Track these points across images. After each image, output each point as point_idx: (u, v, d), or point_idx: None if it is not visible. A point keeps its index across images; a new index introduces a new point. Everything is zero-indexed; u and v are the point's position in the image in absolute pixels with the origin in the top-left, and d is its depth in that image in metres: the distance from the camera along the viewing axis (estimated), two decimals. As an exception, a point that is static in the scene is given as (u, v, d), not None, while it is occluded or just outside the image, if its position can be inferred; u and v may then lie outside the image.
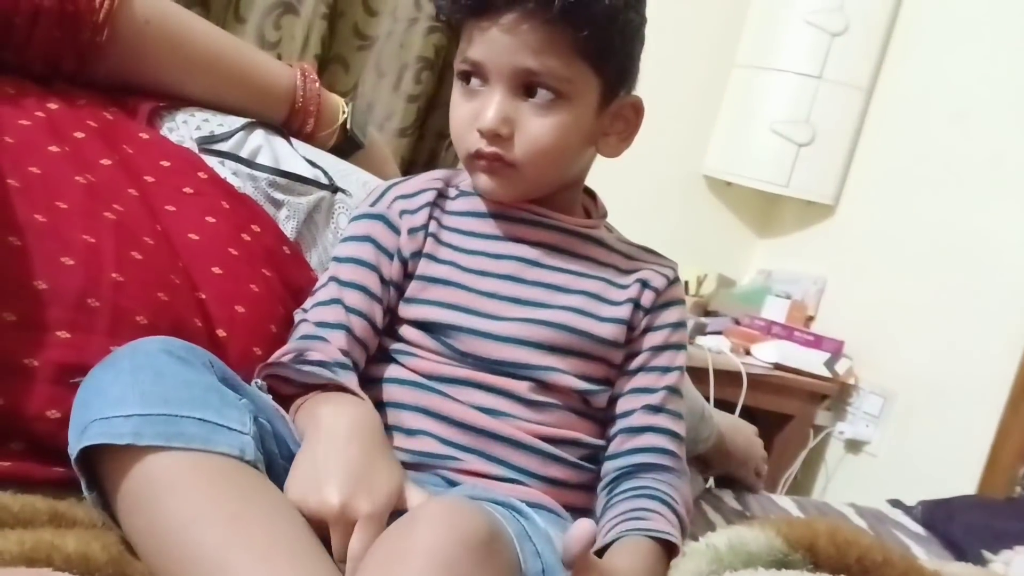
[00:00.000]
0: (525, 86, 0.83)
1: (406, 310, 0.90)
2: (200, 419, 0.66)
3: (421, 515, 0.62)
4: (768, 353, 2.22)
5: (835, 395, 2.31)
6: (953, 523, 1.42)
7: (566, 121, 0.84)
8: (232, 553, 0.61)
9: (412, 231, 0.91)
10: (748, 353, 2.24)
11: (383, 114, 1.75)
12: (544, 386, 0.88)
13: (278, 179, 1.07)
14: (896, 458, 2.21)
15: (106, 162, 0.91)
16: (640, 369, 0.92)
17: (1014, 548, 1.24)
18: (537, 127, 0.84)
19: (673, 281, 0.95)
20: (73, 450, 0.66)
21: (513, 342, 0.87)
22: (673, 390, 0.93)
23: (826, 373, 2.24)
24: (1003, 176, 2.07)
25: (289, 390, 0.81)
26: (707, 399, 1.41)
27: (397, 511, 0.70)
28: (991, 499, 1.82)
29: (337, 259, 0.92)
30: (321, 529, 0.67)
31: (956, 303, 2.11)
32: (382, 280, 0.90)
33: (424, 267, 0.90)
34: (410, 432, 0.86)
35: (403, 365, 0.89)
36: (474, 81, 0.85)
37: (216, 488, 0.64)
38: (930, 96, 2.26)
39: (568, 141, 0.86)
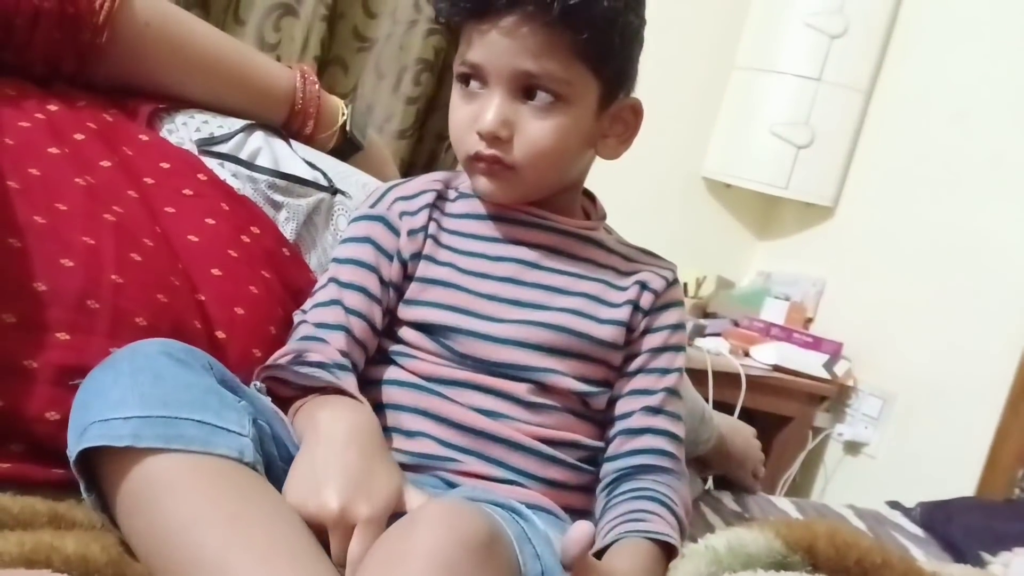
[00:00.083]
0: (524, 89, 0.83)
1: (405, 312, 0.90)
2: (199, 421, 0.66)
3: (421, 517, 0.62)
4: (767, 355, 2.22)
5: (834, 397, 2.31)
6: (952, 525, 1.42)
7: (565, 123, 0.85)
8: (232, 555, 0.61)
9: (412, 233, 0.91)
10: (747, 355, 2.24)
11: (382, 116, 1.75)
12: (543, 388, 0.88)
13: (278, 181, 1.07)
14: (895, 460, 2.21)
15: (106, 164, 0.91)
16: (639, 371, 0.92)
17: (1013, 550, 1.24)
18: (536, 129, 0.84)
19: (672, 283, 0.95)
20: (72, 452, 0.66)
21: (512, 344, 0.87)
22: (672, 392, 0.93)
23: (825, 375, 2.24)
24: (1002, 177, 2.07)
25: (288, 392, 0.81)
26: (706, 401, 1.41)
27: (396, 513, 0.70)
28: (990, 501, 1.82)
29: (337, 260, 0.92)
30: (320, 533, 0.67)
31: (955, 305, 2.11)
32: (382, 281, 0.90)
33: (423, 269, 0.91)
34: (409, 434, 0.86)
35: (402, 367, 0.89)
36: (473, 83, 0.86)
37: (216, 489, 0.64)
38: (929, 98, 2.26)
39: (567, 143, 0.86)
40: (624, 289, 0.92)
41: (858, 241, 2.37)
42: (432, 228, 0.92)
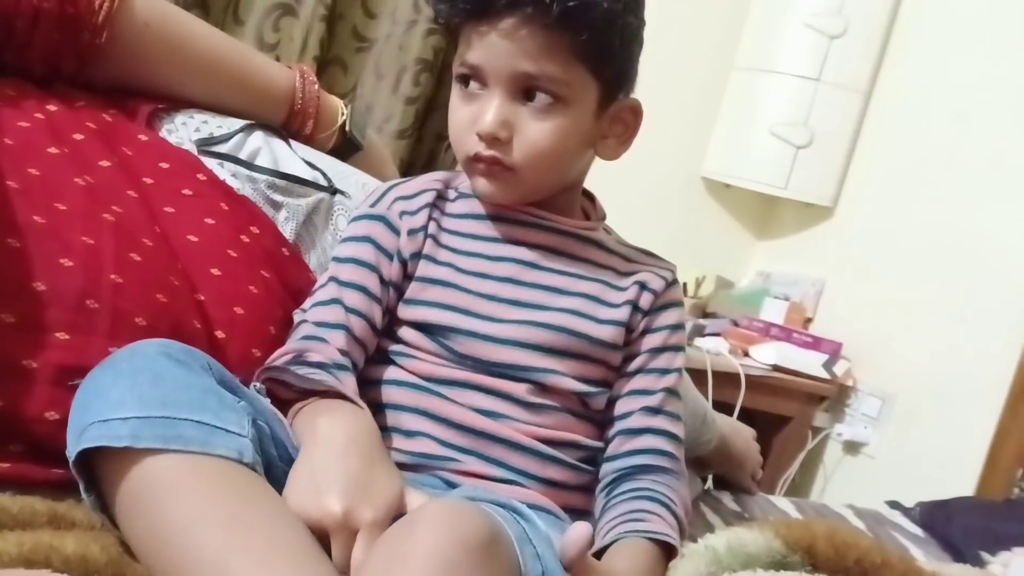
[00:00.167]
0: (524, 90, 0.83)
1: (405, 311, 0.90)
2: (198, 422, 0.66)
3: (421, 517, 0.62)
4: (767, 355, 2.22)
5: (833, 397, 2.31)
6: (951, 525, 1.42)
7: (565, 125, 0.85)
8: (232, 556, 0.61)
9: (412, 232, 0.91)
10: (747, 355, 2.24)
11: (382, 116, 1.75)
12: (542, 388, 0.88)
13: (277, 181, 1.07)
14: (894, 460, 2.21)
15: (105, 164, 0.91)
16: (639, 371, 0.92)
17: (1012, 550, 1.24)
18: (536, 131, 0.84)
19: (671, 283, 0.95)
20: (72, 452, 0.66)
21: (511, 344, 0.87)
22: (671, 392, 0.93)
23: (824, 375, 2.24)
24: (1002, 178, 2.07)
25: (288, 394, 0.81)
26: (705, 401, 1.41)
27: (397, 515, 0.70)
28: (990, 501, 1.82)
29: (337, 259, 0.92)
30: (321, 538, 0.67)
31: (955, 305, 2.11)
32: (382, 281, 0.90)
33: (423, 268, 0.91)
34: (409, 434, 0.86)
35: (402, 367, 0.89)
36: (473, 84, 0.86)
37: (215, 490, 0.64)
38: (929, 98, 2.26)
39: (567, 144, 0.86)
40: (623, 289, 0.92)
41: (857, 241, 2.37)
42: (432, 228, 0.92)
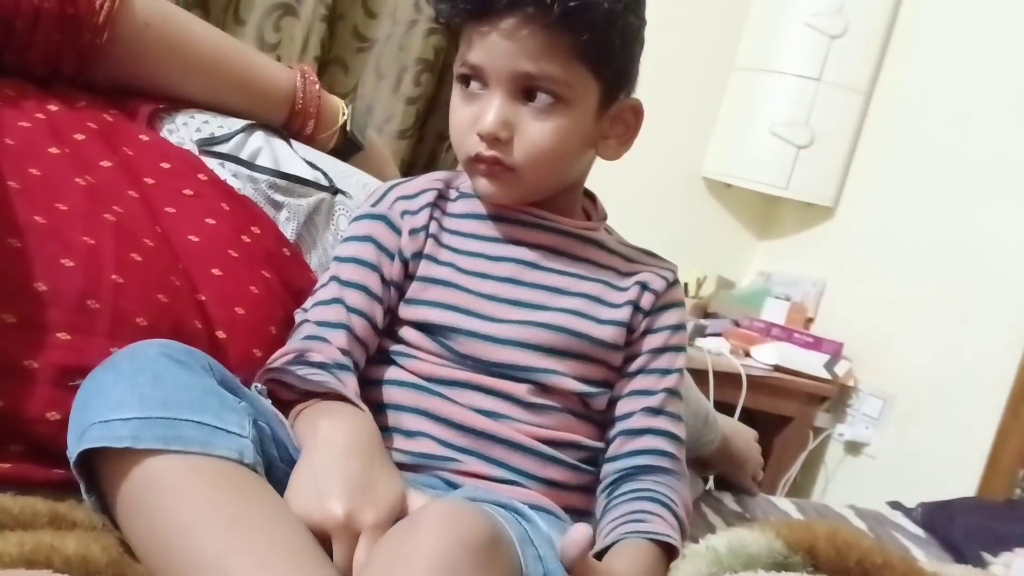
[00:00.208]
0: (524, 90, 0.83)
1: (406, 311, 0.90)
2: (199, 422, 0.66)
3: (423, 518, 0.62)
4: (768, 355, 2.22)
5: (835, 397, 2.31)
6: (953, 525, 1.42)
7: (565, 125, 0.84)
8: (232, 556, 0.61)
9: (413, 232, 0.91)
10: (748, 355, 2.24)
11: (382, 116, 1.75)
12: (543, 388, 0.88)
13: (278, 181, 1.07)
14: (896, 460, 2.21)
15: (106, 164, 0.91)
16: (639, 371, 0.92)
17: (1014, 550, 1.24)
18: (536, 131, 0.84)
19: (673, 283, 0.95)
20: (72, 453, 0.66)
21: (512, 344, 0.87)
22: (672, 392, 0.93)
23: (826, 375, 2.24)
24: (1003, 178, 2.07)
25: (289, 396, 0.81)
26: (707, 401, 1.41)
27: (399, 516, 0.70)
28: (991, 501, 1.82)
29: (338, 259, 0.92)
30: (322, 540, 0.67)
31: (956, 305, 2.11)
32: (383, 280, 0.90)
33: (424, 268, 0.91)
34: (409, 434, 0.86)
35: (403, 367, 0.89)
36: (474, 84, 0.85)
37: (216, 491, 0.64)
38: (929, 98, 2.26)
39: (567, 145, 0.86)
40: (624, 290, 0.92)
41: (858, 241, 2.37)
42: (433, 227, 0.92)
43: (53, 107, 0.93)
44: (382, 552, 0.62)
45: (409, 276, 0.91)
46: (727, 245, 2.62)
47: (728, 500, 1.36)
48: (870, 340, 2.29)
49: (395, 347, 0.90)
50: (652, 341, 0.92)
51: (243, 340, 0.90)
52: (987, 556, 1.26)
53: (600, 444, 0.91)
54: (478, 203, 0.93)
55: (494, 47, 0.82)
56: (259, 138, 1.09)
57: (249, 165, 1.06)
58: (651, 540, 0.82)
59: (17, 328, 0.75)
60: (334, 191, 1.11)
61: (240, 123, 1.09)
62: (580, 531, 0.67)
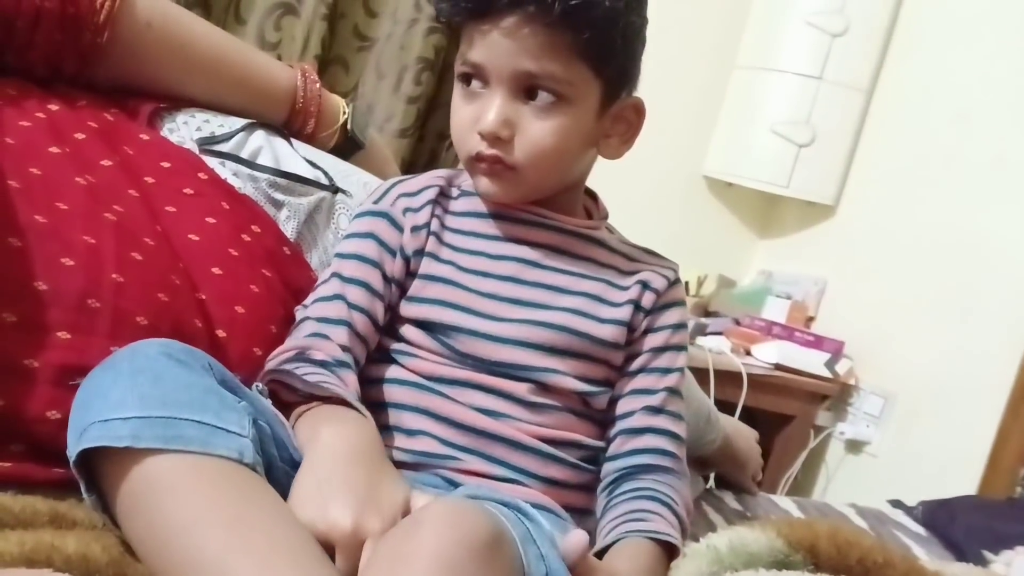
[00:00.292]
0: (526, 89, 0.83)
1: (407, 309, 0.90)
2: (199, 422, 0.66)
3: (425, 517, 0.62)
4: (769, 354, 2.22)
5: (836, 395, 2.31)
6: (954, 524, 1.42)
7: (567, 123, 0.84)
8: (233, 556, 0.61)
9: (415, 229, 0.91)
10: (748, 354, 2.24)
11: (383, 115, 1.75)
12: (544, 388, 0.88)
13: (279, 180, 1.07)
14: (897, 459, 2.21)
15: (106, 163, 0.91)
16: (640, 370, 0.92)
17: (1015, 549, 1.24)
18: (538, 130, 0.84)
19: (674, 282, 0.95)
20: (72, 452, 0.66)
21: (513, 343, 0.87)
22: (673, 391, 0.93)
23: (827, 373, 2.24)
24: (1004, 177, 2.07)
25: (291, 397, 0.80)
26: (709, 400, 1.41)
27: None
28: (992, 500, 1.82)
29: (340, 255, 0.92)
30: (326, 547, 0.67)
31: (957, 304, 2.11)
32: (384, 277, 0.90)
33: (426, 266, 0.90)
34: (410, 432, 0.86)
35: (403, 366, 0.88)
36: (475, 83, 0.85)
37: (216, 491, 0.64)
38: (931, 97, 2.26)
39: (569, 143, 0.86)
40: (625, 288, 0.92)
41: (859, 240, 2.37)
42: (435, 225, 0.91)
43: (54, 106, 0.93)
44: (384, 551, 0.62)
45: (410, 273, 0.91)
46: (728, 244, 2.62)
47: (729, 499, 1.36)
48: (871, 339, 2.29)
49: (396, 345, 0.90)
50: (653, 340, 0.92)
51: (243, 339, 0.90)
52: (988, 555, 1.26)
53: (601, 443, 0.91)
54: (479, 201, 0.93)
55: (495, 46, 0.82)
56: (260, 137, 1.09)
57: (249, 164, 1.06)
58: (652, 539, 0.81)
59: (18, 327, 0.75)
60: (335, 190, 1.11)
61: (241, 122, 1.09)
62: (576, 537, 0.68)
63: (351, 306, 0.87)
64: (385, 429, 0.85)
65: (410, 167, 1.78)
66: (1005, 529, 1.36)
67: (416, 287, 0.90)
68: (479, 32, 0.83)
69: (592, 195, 0.99)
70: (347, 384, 0.81)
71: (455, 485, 0.84)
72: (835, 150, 2.38)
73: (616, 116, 0.89)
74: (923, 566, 0.87)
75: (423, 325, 0.89)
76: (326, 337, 0.85)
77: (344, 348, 0.85)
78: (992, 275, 2.05)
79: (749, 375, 2.11)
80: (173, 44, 1.04)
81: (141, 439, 0.64)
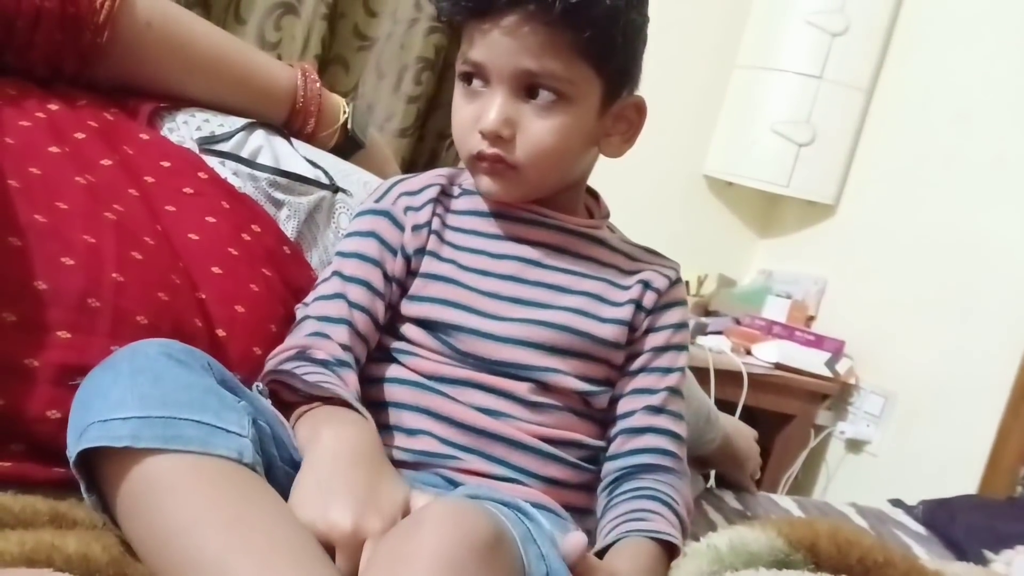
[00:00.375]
0: (527, 87, 0.83)
1: (408, 307, 0.90)
2: (198, 421, 0.65)
3: (425, 517, 0.62)
4: (769, 353, 2.22)
5: (836, 395, 2.31)
6: (954, 523, 1.42)
7: (568, 122, 0.84)
8: (233, 556, 0.61)
9: (416, 228, 0.91)
10: (749, 353, 2.24)
11: (383, 115, 1.75)
12: (545, 387, 0.88)
13: (279, 179, 1.07)
14: (897, 458, 2.21)
15: (106, 162, 0.91)
16: (641, 370, 0.92)
17: (1016, 548, 1.24)
18: (539, 128, 0.84)
19: (675, 282, 0.95)
20: (72, 452, 0.66)
21: (513, 343, 0.87)
22: (674, 391, 0.93)
23: (827, 373, 2.24)
24: (1004, 177, 2.07)
25: (292, 397, 0.80)
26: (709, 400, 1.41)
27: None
28: (992, 499, 1.82)
29: (341, 254, 0.91)
30: (326, 547, 0.67)
31: (957, 303, 2.11)
32: (385, 276, 0.89)
33: (427, 264, 0.90)
34: (410, 432, 0.86)
35: (404, 365, 0.88)
36: (476, 82, 0.85)
37: (216, 491, 0.64)
38: (931, 97, 2.26)
39: (570, 142, 0.86)
40: (627, 288, 0.92)
41: (860, 239, 2.37)
42: (436, 224, 0.91)
43: (54, 106, 0.93)
44: (385, 551, 0.62)
45: (411, 272, 0.91)
46: (728, 243, 2.62)
47: (729, 498, 1.36)
48: (871, 338, 2.29)
49: (396, 344, 0.90)
50: (654, 340, 0.92)
51: (243, 338, 0.90)
52: (988, 554, 1.26)
53: (601, 443, 0.91)
54: (481, 200, 0.93)
55: (496, 45, 0.82)
56: (260, 136, 1.09)
57: (250, 163, 1.06)
58: (652, 539, 0.81)
59: (18, 327, 0.75)
60: (335, 189, 1.11)
61: (241, 121, 1.09)
62: (575, 540, 0.68)
63: (352, 305, 0.87)
64: (385, 428, 0.85)
65: (410, 166, 1.78)
66: (1005, 528, 1.36)
67: (417, 286, 0.90)
68: (480, 31, 0.83)
69: (594, 194, 0.99)
70: (347, 384, 0.81)
71: (455, 484, 0.84)
72: (835, 150, 2.38)
73: (617, 115, 0.89)
74: (923, 565, 0.87)
75: (424, 324, 0.89)
76: (327, 336, 0.85)
77: (345, 347, 0.85)
78: (992, 275, 2.05)
79: (749, 374, 2.11)
80: (173, 44, 1.04)
81: (141, 439, 0.64)
